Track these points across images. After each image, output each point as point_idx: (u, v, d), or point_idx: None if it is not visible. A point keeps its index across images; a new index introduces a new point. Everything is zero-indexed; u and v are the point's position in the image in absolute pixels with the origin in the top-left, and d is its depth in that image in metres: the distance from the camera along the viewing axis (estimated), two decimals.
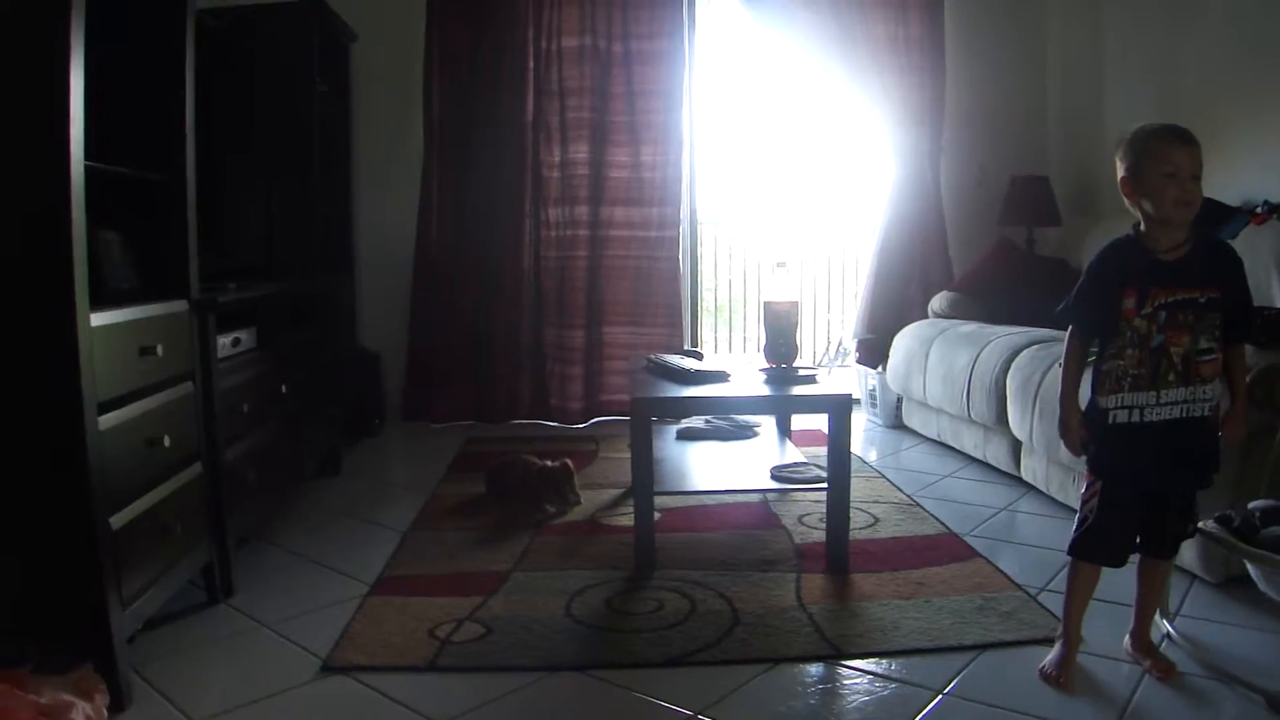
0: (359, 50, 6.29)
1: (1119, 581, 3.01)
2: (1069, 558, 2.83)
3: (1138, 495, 2.72)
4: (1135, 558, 2.81)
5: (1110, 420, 2.68)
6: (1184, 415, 2.61)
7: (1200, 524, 2.78)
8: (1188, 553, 3.31)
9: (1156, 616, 3.01)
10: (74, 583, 2.54)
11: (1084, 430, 2.75)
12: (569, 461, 4.67)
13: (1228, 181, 4.90)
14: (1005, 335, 5.02)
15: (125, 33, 3.08)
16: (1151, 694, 2.67)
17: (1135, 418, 2.64)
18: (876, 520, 4.24)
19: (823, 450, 3.95)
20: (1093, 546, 2.77)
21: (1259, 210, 4.57)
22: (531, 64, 6.41)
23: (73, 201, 2.43)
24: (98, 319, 2.55)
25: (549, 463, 4.61)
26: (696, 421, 5.09)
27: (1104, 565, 2.80)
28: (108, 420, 2.61)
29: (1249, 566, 2.74)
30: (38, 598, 2.59)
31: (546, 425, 6.53)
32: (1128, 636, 2.88)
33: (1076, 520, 2.81)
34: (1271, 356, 3.38)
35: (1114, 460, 2.72)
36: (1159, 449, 2.65)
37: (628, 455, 5.13)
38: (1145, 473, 2.69)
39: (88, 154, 2.51)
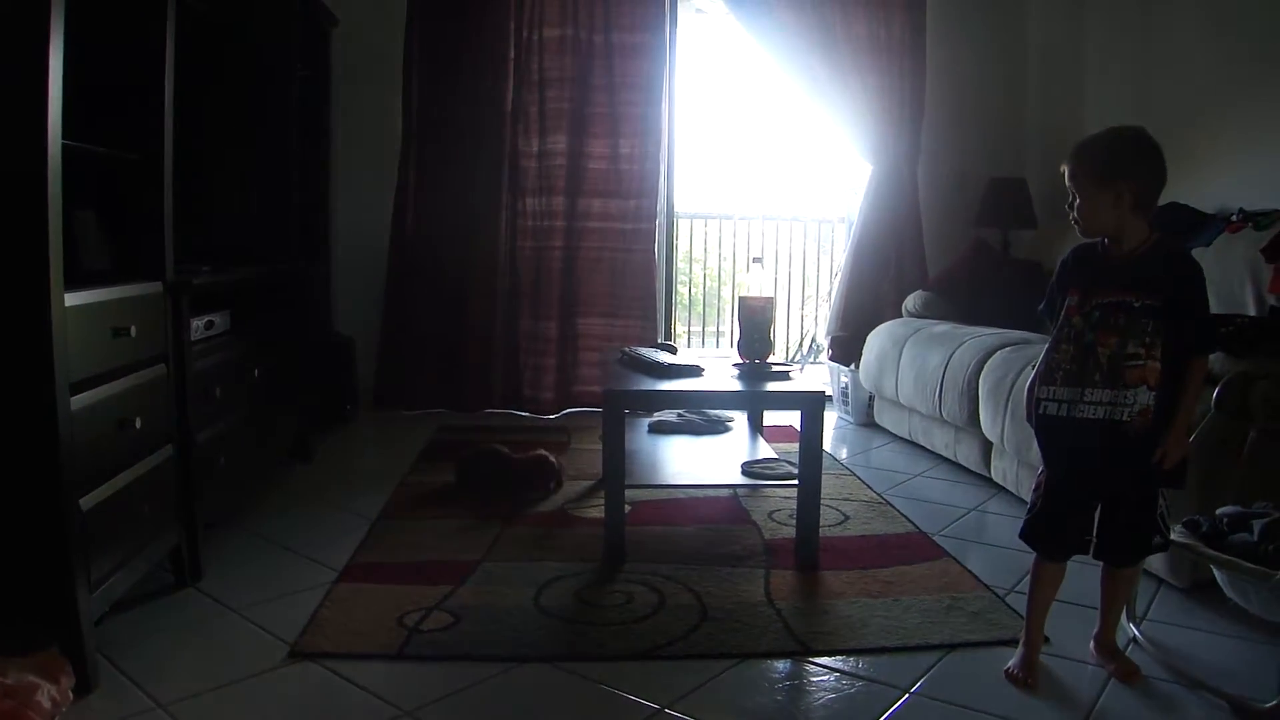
0: (340, 35, 6.25)
1: (1086, 584, 3.04)
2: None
3: (1080, 491, 2.76)
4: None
5: (1040, 410, 2.74)
6: (1106, 417, 2.62)
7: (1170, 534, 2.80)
8: (1155, 557, 3.33)
9: (1123, 620, 3.03)
10: (42, 563, 2.53)
11: None
12: (545, 453, 4.69)
13: (1203, 189, 4.93)
14: (979, 336, 5.04)
15: (105, 10, 3.06)
16: (1116, 697, 2.70)
17: (1062, 411, 2.68)
18: (846, 518, 4.25)
19: (794, 446, 3.97)
20: (1033, 533, 2.84)
21: (1234, 218, 4.58)
22: (512, 53, 6.39)
23: (49, 180, 2.41)
24: (71, 299, 2.53)
25: (536, 453, 4.66)
26: (669, 415, 5.10)
27: (1045, 557, 2.84)
28: (79, 401, 2.59)
29: (1216, 573, 2.75)
30: (4, 578, 2.57)
31: (518, 415, 6.53)
32: (1092, 640, 2.90)
33: (1027, 507, 2.88)
34: (1243, 364, 3.40)
35: (1045, 449, 2.80)
36: (1085, 446, 2.68)
37: (599, 447, 5.11)
38: (1074, 467, 2.73)
39: (65, 132, 2.49)
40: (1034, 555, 2.86)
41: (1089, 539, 2.80)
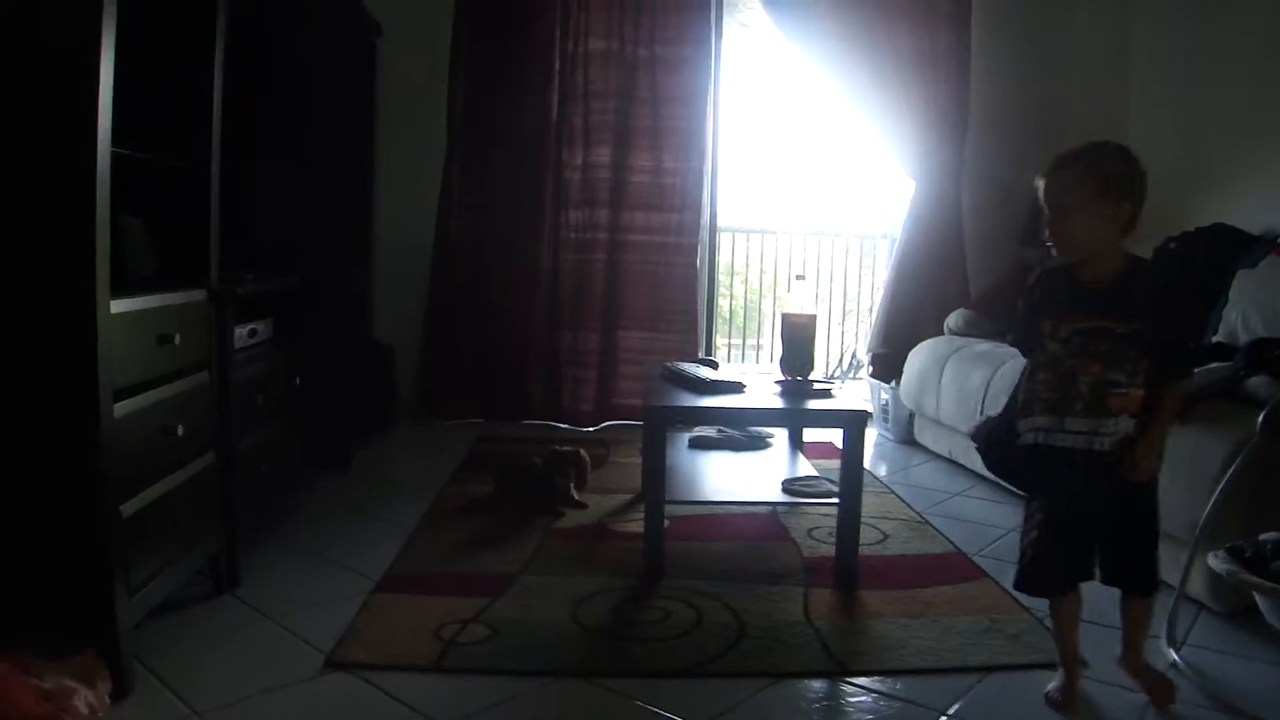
0: (385, 44, 6.28)
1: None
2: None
3: (1074, 519, 2.67)
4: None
5: (1021, 440, 2.68)
6: (1087, 447, 2.56)
7: (1211, 557, 2.77)
8: (1196, 581, 3.29)
9: (1163, 644, 3.00)
10: (81, 568, 2.54)
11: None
12: (582, 450, 4.72)
13: (1249, 210, 4.88)
14: (1021, 357, 4.99)
15: (155, 19, 3.07)
16: None
17: (1042, 439, 2.62)
18: (885, 536, 4.22)
19: (833, 463, 3.95)
20: (1032, 578, 2.75)
21: None
22: (557, 65, 6.41)
23: (98, 188, 2.43)
24: (117, 306, 2.56)
25: (563, 448, 4.70)
26: (709, 430, 5.09)
27: (1053, 595, 2.77)
28: (123, 407, 2.61)
29: (1258, 599, 2.73)
30: (44, 582, 2.58)
31: (557, 427, 6.52)
32: (1121, 663, 2.83)
33: (1017, 558, 2.79)
34: None
35: (1035, 482, 2.75)
36: (1069, 475, 2.61)
37: (637, 460, 5.14)
38: (1064, 494, 2.66)
39: (113, 139, 2.50)
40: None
41: (1092, 564, 2.73)
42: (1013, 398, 2.78)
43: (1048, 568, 2.70)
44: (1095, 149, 2.60)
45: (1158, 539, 2.67)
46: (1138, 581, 2.71)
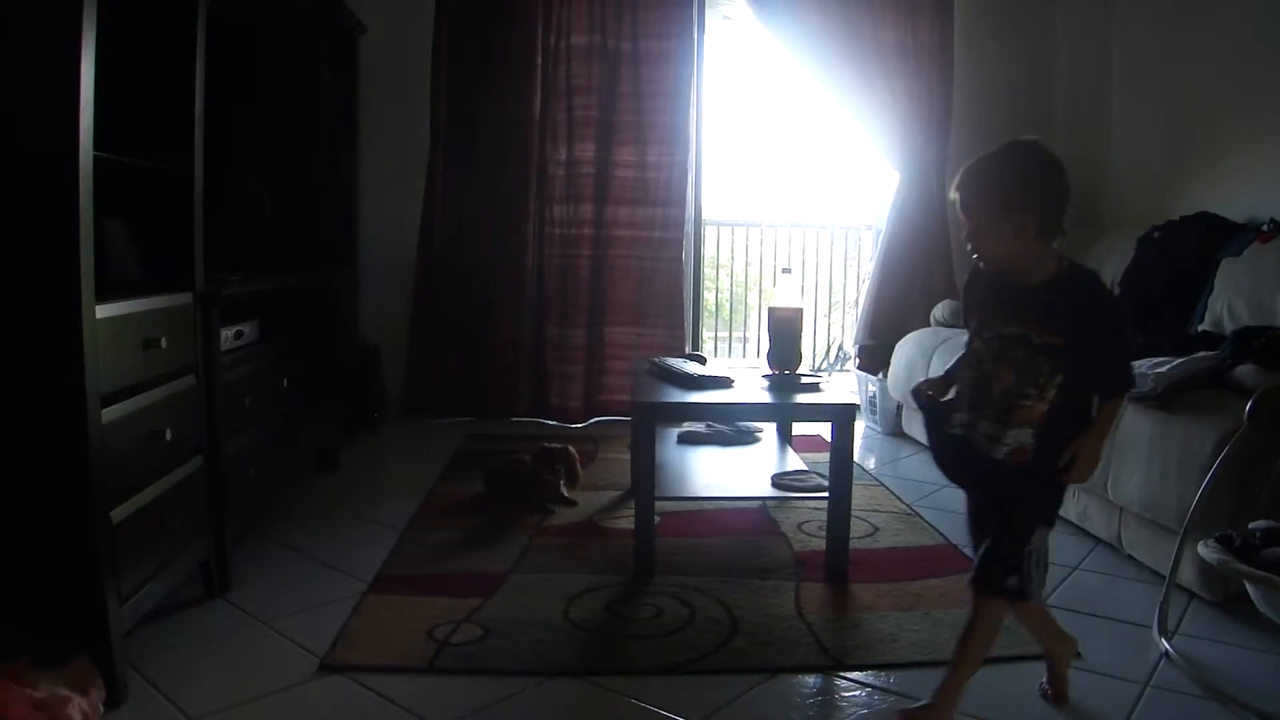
0: (367, 42, 6.26)
1: (1122, 597, 3.01)
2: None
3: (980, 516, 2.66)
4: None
5: (951, 430, 2.60)
6: (987, 452, 2.48)
7: (1201, 546, 2.77)
8: (1187, 570, 3.30)
9: (1154, 634, 3.01)
10: (72, 576, 2.53)
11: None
12: (570, 447, 4.72)
13: (1233, 199, 4.89)
14: None
15: (135, 20, 3.06)
16: (1150, 713, 2.67)
17: (959, 433, 2.56)
18: (876, 529, 4.23)
19: (823, 456, 3.95)
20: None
21: (1264, 228, 4.52)
22: (540, 61, 6.40)
23: (80, 193, 2.42)
24: (103, 311, 2.54)
25: (552, 444, 4.67)
26: (698, 425, 5.08)
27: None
28: (110, 413, 2.59)
29: (1248, 587, 2.73)
30: (36, 590, 2.57)
31: (545, 423, 6.52)
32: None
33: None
34: (1275, 377, 3.37)
35: (962, 471, 2.68)
36: (972, 470, 2.59)
37: (626, 456, 5.14)
38: (972, 488, 2.66)
39: (95, 142, 2.49)
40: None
41: None
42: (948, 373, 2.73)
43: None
44: (999, 157, 2.45)
45: (1009, 543, 2.52)
46: (980, 570, 2.58)
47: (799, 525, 4.25)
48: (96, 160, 2.50)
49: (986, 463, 2.49)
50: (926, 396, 2.74)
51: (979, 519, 2.67)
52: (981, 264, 2.55)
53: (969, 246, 2.50)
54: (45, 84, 2.42)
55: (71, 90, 2.40)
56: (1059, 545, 3.99)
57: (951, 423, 2.59)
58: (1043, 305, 2.42)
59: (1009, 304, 2.49)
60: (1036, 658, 2.87)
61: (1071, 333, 2.39)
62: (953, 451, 2.62)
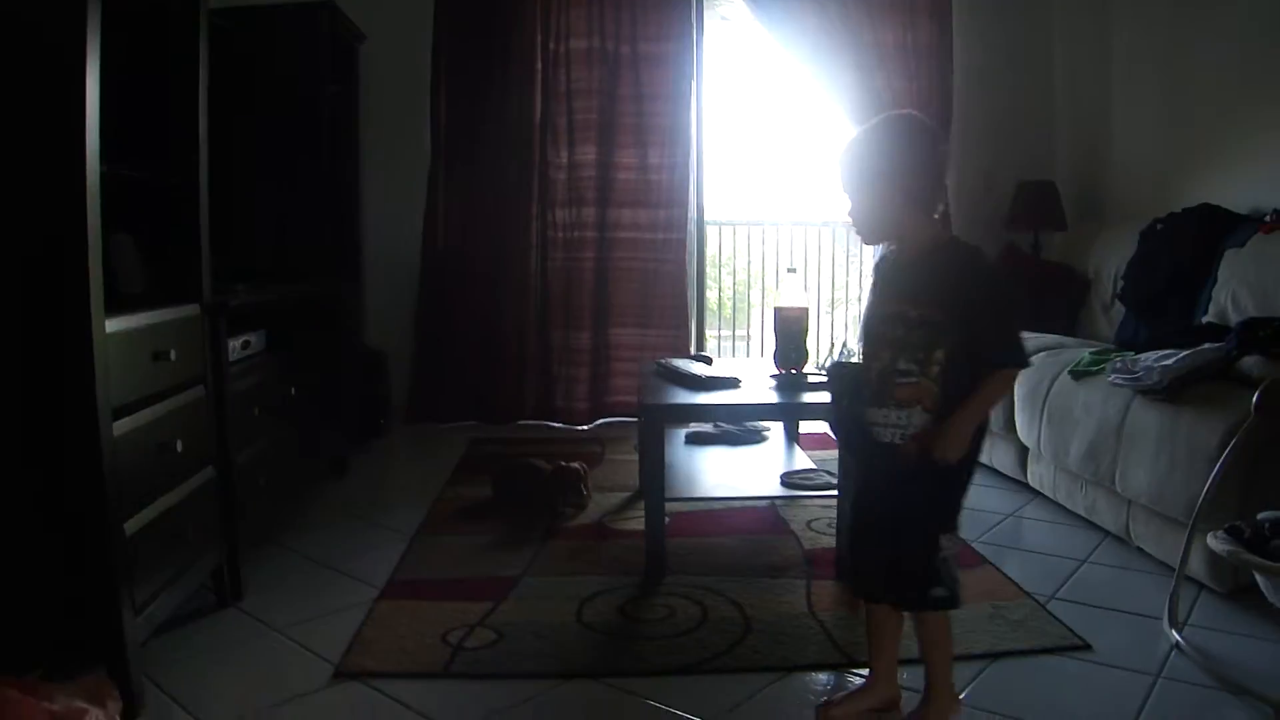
0: (367, 51, 6.27)
1: (1130, 588, 3.01)
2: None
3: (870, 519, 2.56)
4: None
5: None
6: (875, 439, 2.42)
7: (1210, 537, 2.77)
8: (1196, 562, 3.31)
9: (1165, 626, 3.02)
10: (87, 588, 2.54)
11: None
12: (583, 465, 4.69)
13: (1236, 189, 4.89)
14: None
15: (139, 35, 3.07)
16: (1161, 704, 2.67)
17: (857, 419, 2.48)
18: None
19: (830, 454, 3.95)
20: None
21: (1267, 219, 4.51)
22: (539, 66, 6.41)
23: (88, 208, 2.43)
24: (112, 324, 2.55)
25: (563, 463, 4.62)
26: (705, 425, 5.09)
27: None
28: (121, 426, 2.60)
29: (1258, 577, 2.73)
30: (51, 603, 2.59)
31: (551, 426, 6.53)
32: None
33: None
34: None
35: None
36: (878, 469, 2.49)
37: (633, 457, 5.14)
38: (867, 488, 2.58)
39: (101, 157, 2.50)
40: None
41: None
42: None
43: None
44: (874, 130, 2.42)
45: (913, 559, 2.46)
46: (890, 582, 2.51)
47: (808, 523, 4.26)
48: (103, 175, 2.51)
49: (881, 451, 2.42)
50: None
51: (864, 514, 2.60)
52: (860, 238, 2.51)
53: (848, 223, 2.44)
54: (52, 100, 2.43)
55: (78, 106, 2.41)
56: (1069, 538, 4.02)
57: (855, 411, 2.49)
58: (917, 278, 2.38)
59: (893, 282, 2.47)
60: (1050, 651, 2.89)
61: (948, 305, 2.32)
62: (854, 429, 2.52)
